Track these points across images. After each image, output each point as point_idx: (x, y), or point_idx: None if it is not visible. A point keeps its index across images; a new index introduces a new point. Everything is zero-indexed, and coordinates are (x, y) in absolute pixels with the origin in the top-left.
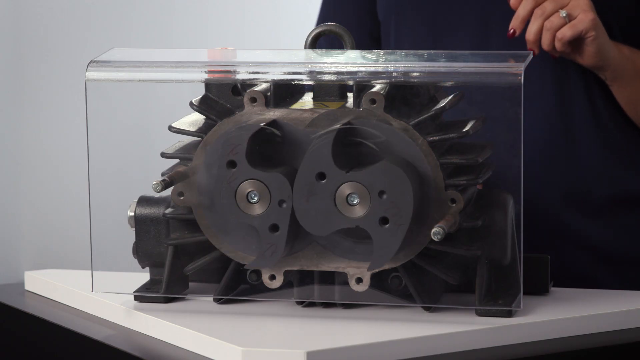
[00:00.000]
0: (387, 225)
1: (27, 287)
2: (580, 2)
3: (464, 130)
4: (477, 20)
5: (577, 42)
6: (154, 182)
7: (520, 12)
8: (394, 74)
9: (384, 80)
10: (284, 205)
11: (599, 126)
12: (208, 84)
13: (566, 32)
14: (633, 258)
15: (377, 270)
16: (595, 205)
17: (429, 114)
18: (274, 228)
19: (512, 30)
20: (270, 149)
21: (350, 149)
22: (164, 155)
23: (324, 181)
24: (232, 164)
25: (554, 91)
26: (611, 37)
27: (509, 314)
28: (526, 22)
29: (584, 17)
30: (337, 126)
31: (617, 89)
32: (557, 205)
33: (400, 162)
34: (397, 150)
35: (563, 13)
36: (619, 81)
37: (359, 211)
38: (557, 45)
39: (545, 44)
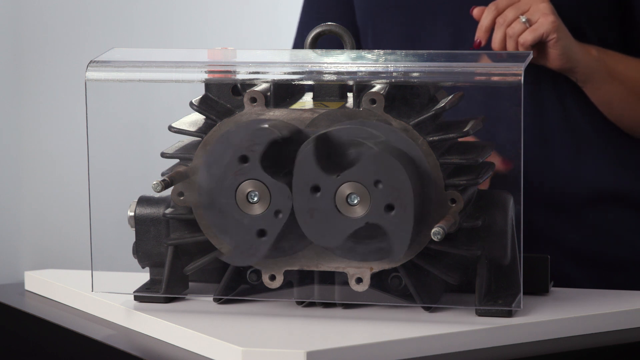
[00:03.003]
0: (393, 212)
1: (27, 287)
2: (540, 7)
3: (464, 130)
4: (450, 29)
5: (541, 46)
6: (154, 182)
7: (483, 23)
8: (394, 74)
9: (384, 80)
10: (280, 215)
11: (571, 128)
12: (208, 84)
13: (527, 37)
14: (606, 259)
15: (396, 265)
16: (569, 205)
17: (429, 114)
18: (262, 233)
19: (478, 41)
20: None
21: (336, 151)
22: (164, 155)
23: (319, 193)
24: (244, 159)
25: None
26: (584, 41)
27: (509, 314)
28: (490, 31)
29: (544, 21)
30: (315, 135)
31: (590, 91)
32: (530, 206)
33: (387, 149)
34: (395, 149)
35: (523, 18)
36: (590, 83)
37: (362, 208)
38: (521, 51)
39: (510, 50)
